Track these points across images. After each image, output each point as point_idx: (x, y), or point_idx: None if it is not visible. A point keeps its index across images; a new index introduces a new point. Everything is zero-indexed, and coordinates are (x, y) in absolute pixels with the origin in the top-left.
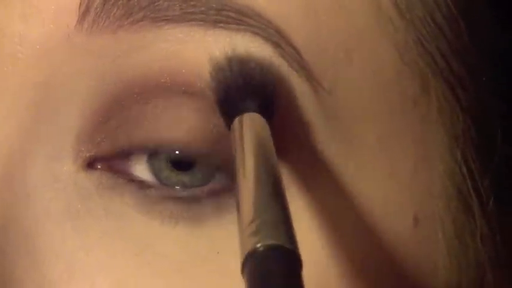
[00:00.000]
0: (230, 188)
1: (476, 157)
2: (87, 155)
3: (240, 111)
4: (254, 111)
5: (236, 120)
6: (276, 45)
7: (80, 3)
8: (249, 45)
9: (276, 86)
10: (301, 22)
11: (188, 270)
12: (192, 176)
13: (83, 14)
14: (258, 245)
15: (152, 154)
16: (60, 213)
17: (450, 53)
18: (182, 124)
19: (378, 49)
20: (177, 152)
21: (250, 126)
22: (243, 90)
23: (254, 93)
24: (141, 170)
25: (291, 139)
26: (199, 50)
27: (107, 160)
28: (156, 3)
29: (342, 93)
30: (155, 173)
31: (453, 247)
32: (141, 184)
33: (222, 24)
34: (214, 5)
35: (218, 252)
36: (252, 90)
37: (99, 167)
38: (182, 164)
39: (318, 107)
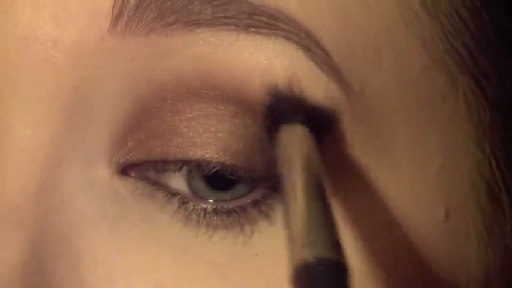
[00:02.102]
0: (272, 194)
1: (503, 149)
2: (120, 160)
3: (287, 121)
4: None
5: (284, 132)
6: (307, 49)
7: (113, 7)
8: (280, 51)
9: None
10: (330, 24)
11: (227, 272)
12: (233, 192)
13: (116, 18)
14: (310, 257)
15: (189, 172)
16: (97, 218)
17: (475, 47)
18: (216, 141)
19: (406, 46)
20: (215, 170)
21: (299, 142)
22: (295, 104)
23: (306, 109)
24: (178, 184)
25: (324, 143)
26: (230, 54)
27: (141, 169)
28: (188, 7)
29: (372, 94)
30: (193, 190)
31: (483, 239)
32: (180, 199)
33: (253, 29)
34: (246, 9)
35: (257, 254)
36: (304, 107)
37: (133, 174)
38: (222, 181)
39: (349, 109)
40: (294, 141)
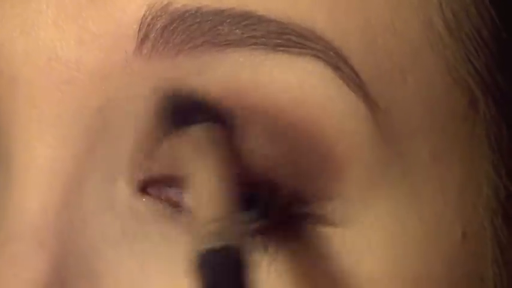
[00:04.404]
0: (296, 213)
1: None
2: (141, 178)
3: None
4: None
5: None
6: (335, 67)
7: (139, 30)
8: (309, 69)
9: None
10: (358, 42)
11: None
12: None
13: (142, 40)
14: (210, 246)
15: None
16: (118, 237)
17: (496, 69)
18: (241, 161)
19: (430, 67)
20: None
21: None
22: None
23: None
24: None
25: (346, 161)
26: (259, 73)
27: (161, 187)
28: (217, 28)
29: (397, 113)
30: None
31: (497, 260)
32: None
33: (282, 48)
34: (274, 29)
35: (280, 276)
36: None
37: (152, 192)
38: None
39: (374, 127)
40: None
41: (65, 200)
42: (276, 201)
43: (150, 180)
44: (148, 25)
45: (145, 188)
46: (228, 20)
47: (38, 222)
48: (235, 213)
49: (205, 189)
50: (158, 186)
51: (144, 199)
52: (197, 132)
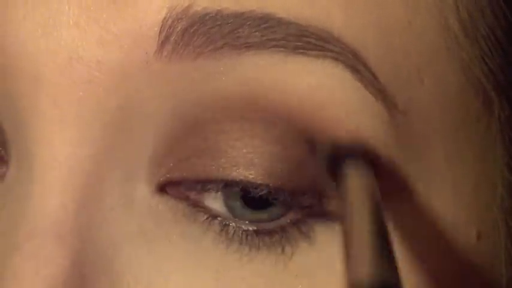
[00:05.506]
0: (314, 212)
1: None
2: (161, 179)
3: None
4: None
5: (348, 168)
6: (354, 69)
7: (160, 32)
8: (329, 72)
9: None
10: (376, 44)
11: None
12: (269, 212)
13: (163, 43)
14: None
15: (227, 193)
16: (136, 236)
17: (510, 69)
18: (261, 162)
19: (445, 67)
20: (259, 192)
21: (362, 176)
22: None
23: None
24: (215, 203)
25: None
26: (280, 76)
27: (181, 188)
28: (237, 31)
29: (414, 114)
30: (230, 210)
31: (510, 258)
32: (221, 221)
33: (302, 51)
34: (294, 32)
35: (296, 276)
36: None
37: (172, 193)
38: (257, 200)
39: (392, 129)
40: (360, 182)
41: (85, 197)
42: (296, 201)
43: (170, 181)
44: (169, 27)
45: (164, 187)
46: (248, 23)
47: (58, 218)
48: (391, 254)
49: (362, 235)
50: (180, 187)
51: (163, 199)
52: (354, 178)
